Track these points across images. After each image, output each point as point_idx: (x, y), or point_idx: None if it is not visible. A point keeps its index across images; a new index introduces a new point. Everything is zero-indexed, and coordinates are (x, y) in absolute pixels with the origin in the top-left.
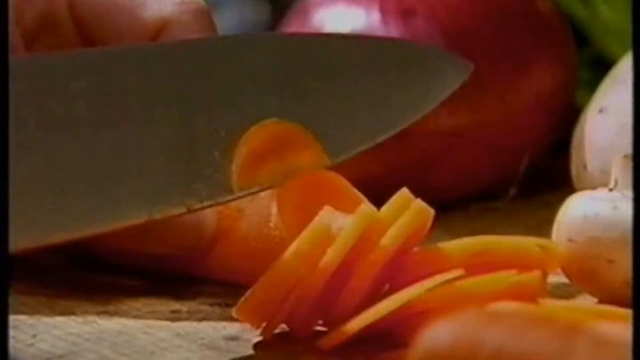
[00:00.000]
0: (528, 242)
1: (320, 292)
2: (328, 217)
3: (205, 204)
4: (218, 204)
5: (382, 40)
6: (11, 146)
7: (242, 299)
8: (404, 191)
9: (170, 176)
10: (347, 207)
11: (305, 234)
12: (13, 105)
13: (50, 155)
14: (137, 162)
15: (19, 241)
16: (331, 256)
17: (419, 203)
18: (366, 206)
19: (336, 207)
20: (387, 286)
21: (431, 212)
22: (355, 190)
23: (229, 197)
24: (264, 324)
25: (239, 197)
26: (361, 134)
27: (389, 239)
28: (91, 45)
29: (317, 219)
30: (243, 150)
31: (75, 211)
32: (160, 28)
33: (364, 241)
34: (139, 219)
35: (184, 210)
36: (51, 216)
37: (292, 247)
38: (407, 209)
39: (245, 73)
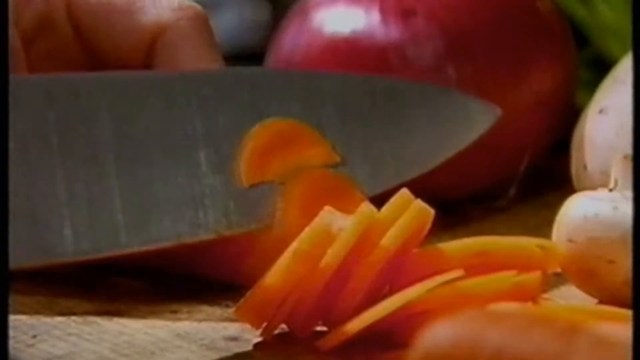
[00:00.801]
0: (528, 243)
1: (320, 292)
2: (328, 217)
3: (234, 230)
4: (248, 231)
5: (412, 83)
6: (40, 169)
7: (242, 299)
8: (404, 191)
9: (202, 202)
10: (351, 207)
11: (305, 234)
12: (41, 129)
13: (83, 179)
14: (168, 188)
15: (50, 258)
16: (331, 256)
17: (419, 203)
18: (366, 206)
19: (341, 207)
20: (387, 287)
21: (431, 212)
22: (360, 190)
23: (258, 225)
24: (264, 324)
25: (265, 223)
26: (388, 175)
27: (389, 239)
28: (88, 48)
29: (317, 219)
30: (249, 145)
31: (107, 233)
32: (158, 32)
33: (364, 241)
34: (168, 243)
35: (213, 236)
36: (83, 237)
37: (292, 248)
38: (407, 209)
39: (269, 108)
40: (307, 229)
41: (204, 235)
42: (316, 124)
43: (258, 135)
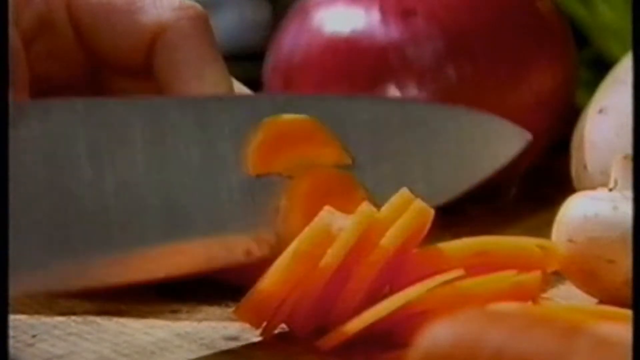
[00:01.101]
0: (527, 243)
1: (320, 293)
2: (328, 217)
3: (264, 252)
4: (276, 255)
5: (443, 107)
6: (69, 189)
7: (242, 299)
8: (404, 191)
9: (232, 225)
10: (355, 207)
11: (305, 234)
12: (69, 147)
13: (114, 200)
14: (198, 210)
15: (85, 281)
16: (331, 256)
17: (419, 203)
18: (366, 206)
19: (344, 206)
20: (387, 287)
21: (431, 212)
22: (363, 190)
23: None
24: (263, 324)
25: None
26: (428, 197)
27: (388, 239)
28: (88, 48)
29: (316, 219)
30: (260, 135)
31: (136, 257)
32: (158, 32)
33: (364, 241)
34: (198, 268)
35: (242, 259)
36: (114, 262)
37: (292, 248)
38: (407, 209)
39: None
40: (307, 229)
41: (235, 258)
42: (349, 147)
43: (270, 127)
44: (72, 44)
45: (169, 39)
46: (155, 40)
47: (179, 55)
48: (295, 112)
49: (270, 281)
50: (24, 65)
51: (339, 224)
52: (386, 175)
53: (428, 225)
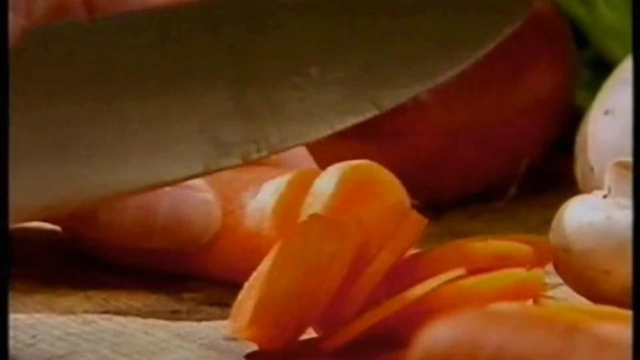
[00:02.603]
0: (517, 241)
1: (323, 310)
2: (319, 235)
3: (262, 153)
4: (272, 153)
5: None
6: (70, 96)
7: (240, 317)
8: (400, 203)
9: (228, 128)
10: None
11: (300, 257)
12: (69, 62)
13: (115, 108)
14: (193, 114)
15: (80, 198)
16: (330, 279)
17: (415, 214)
18: (355, 223)
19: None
20: (384, 293)
21: (425, 221)
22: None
23: (285, 147)
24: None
25: (294, 146)
26: (421, 76)
27: (388, 251)
28: None
29: (307, 238)
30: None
31: (136, 164)
32: None
33: (362, 253)
34: (195, 170)
35: (239, 162)
36: (115, 167)
37: (292, 270)
38: (404, 221)
39: (297, 22)
40: (305, 247)
41: (231, 161)
42: (347, 25)
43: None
44: None
45: None
46: None
47: None
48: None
49: (272, 301)
50: None
51: (333, 235)
52: (389, 50)
53: (420, 233)
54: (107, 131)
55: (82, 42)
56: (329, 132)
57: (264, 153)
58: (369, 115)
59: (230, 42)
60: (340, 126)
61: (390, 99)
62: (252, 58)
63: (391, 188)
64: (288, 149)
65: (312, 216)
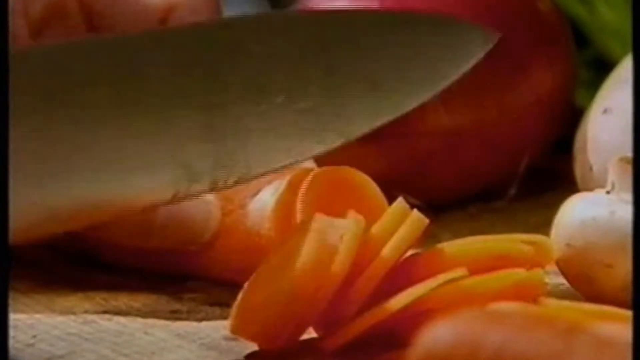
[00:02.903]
0: (517, 240)
1: (324, 307)
2: (323, 227)
3: (230, 180)
4: (241, 180)
5: (401, 13)
6: (39, 127)
7: (241, 319)
8: (400, 202)
9: (197, 155)
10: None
11: (305, 250)
12: (42, 88)
13: (80, 136)
14: (163, 140)
15: (46, 225)
16: (335, 271)
17: (416, 214)
18: (357, 215)
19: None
20: (384, 293)
21: (426, 221)
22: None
23: (253, 175)
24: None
25: (262, 175)
26: (387, 106)
27: (389, 251)
28: (98, 34)
29: (312, 230)
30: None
31: (103, 189)
32: (168, 11)
33: (362, 253)
34: (166, 196)
35: (208, 188)
36: (79, 195)
37: (294, 270)
38: (405, 221)
39: (265, 52)
40: (305, 247)
41: (201, 187)
42: (313, 59)
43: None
44: (82, 32)
45: (179, 16)
46: (165, 19)
47: None
48: (262, 30)
49: (273, 300)
50: None
51: (333, 235)
52: (352, 84)
53: (420, 233)
54: (80, 154)
55: (58, 65)
56: (296, 161)
57: (231, 180)
58: (335, 145)
59: (200, 69)
60: (307, 155)
61: (356, 130)
62: (221, 85)
63: (369, 190)
64: (257, 177)
65: (313, 216)
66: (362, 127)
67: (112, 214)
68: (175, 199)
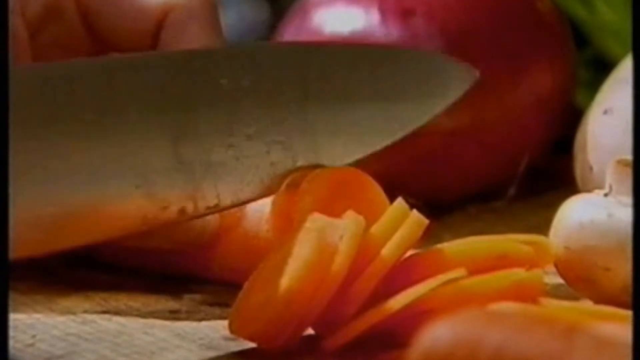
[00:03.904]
0: (517, 241)
1: (322, 310)
2: (321, 227)
3: (199, 211)
4: (210, 211)
5: (383, 47)
6: (15, 151)
7: (241, 319)
8: (400, 202)
9: (170, 181)
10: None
11: (303, 254)
12: (17, 109)
13: (56, 154)
14: (130, 168)
15: (22, 249)
16: (335, 272)
17: (415, 215)
18: (355, 215)
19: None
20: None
21: (425, 222)
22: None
23: (223, 206)
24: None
25: (234, 206)
26: (363, 141)
27: (389, 251)
28: (96, 34)
29: (311, 231)
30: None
31: (70, 218)
32: (165, 12)
33: (362, 254)
34: (134, 225)
35: (176, 217)
36: (44, 223)
37: (293, 270)
38: (405, 221)
39: (244, 82)
40: (305, 247)
41: (169, 215)
42: (291, 91)
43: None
44: (79, 32)
45: (176, 18)
46: (162, 22)
47: (185, 35)
48: (241, 60)
49: (274, 299)
50: (28, 55)
51: (333, 235)
52: (330, 118)
53: (420, 234)
54: (50, 177)
55: (43, 84)
56: (265, 194)
57: (200, 210)
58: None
59: (169, 98)
60: (276, 188)
61: (329, 162)
62: (190, 115)
63: (371, 190)
64: (226, 208)
65: (313, 216)
66: (335, 160)
67: (81, 242)
68: (143, 227)
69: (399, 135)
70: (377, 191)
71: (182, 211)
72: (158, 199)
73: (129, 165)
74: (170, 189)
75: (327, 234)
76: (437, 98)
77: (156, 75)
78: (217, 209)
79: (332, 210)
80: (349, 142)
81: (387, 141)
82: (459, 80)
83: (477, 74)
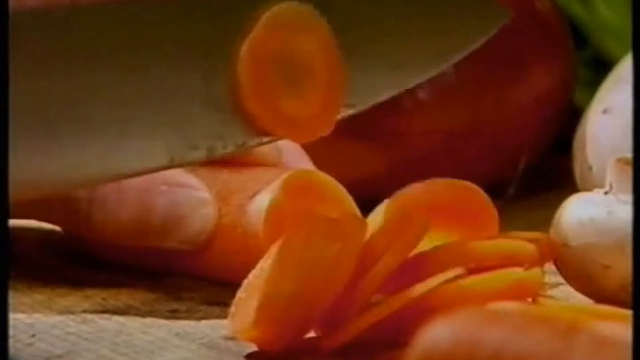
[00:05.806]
0: (518, 238)
1: (324, 314)
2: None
3: (228, 149)
4: (238, 150)
5: None
6: (30, 89)
7: (242, 320)
8: (403, 204)
9: (194, 121)
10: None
11: (304, 258)
12: (31, 51)
13: (77, 97)
14: (161, 105)
15: (43, 188)
16: (334, 283)
17: (418, 217)
18: (358, 221)
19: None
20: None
21: (428, 224)
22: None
23: (251, 144)
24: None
25: (261, 144)
26: (399, 76)
27: (393, 254)
28: None
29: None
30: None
31: (98, 155)
32: None
33: (366, 256)
34: (161, 162)
35: (204, 155)
36: (74, 160)
37: (296, 273)
38: (409, 224)
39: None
40: (305, 248)
41: (196, 154)
42: (330, 23)
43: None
44: None
45: None
46: None
47: None
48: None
49: (277, 303)
50: None
51: (334, 236)
52: (367, 53)
53: (423, 236)
54: (76, 115)
55: (60, 28)
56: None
57: (229, 149)
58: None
59: (202, 36)
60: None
61: (361, 102)
62: (221, 53)
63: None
64: (254, 146)
65: (316, 217)
66: (368, 99)
67: (108, 178)
68: (171, 166)
69: (429, 72)
70: (343, 195)
71: (211, 150)
72: (187, 137)
73: (159, 101)
74: (200, 128)
75: (328, 234)
76: (469, 35)
77: (188, 13)
78: (244, 147)
79: (302, 213)
80: (380, 79)
81: (417, 80)
82: (491, 18)
83: (511, 14)
